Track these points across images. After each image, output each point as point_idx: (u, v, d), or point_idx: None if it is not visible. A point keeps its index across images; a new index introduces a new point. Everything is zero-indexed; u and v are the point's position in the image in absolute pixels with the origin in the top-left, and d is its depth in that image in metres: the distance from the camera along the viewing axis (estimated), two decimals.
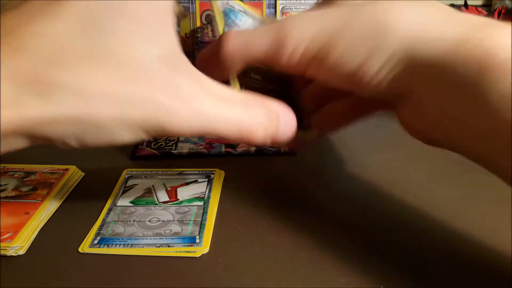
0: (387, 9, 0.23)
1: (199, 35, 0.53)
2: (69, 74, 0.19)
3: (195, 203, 0.35)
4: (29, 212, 0.33)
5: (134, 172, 0.39)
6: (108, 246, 0.30)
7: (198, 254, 0.29)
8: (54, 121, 0.19)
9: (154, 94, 0.21)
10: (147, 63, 0.21)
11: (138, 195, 0.36)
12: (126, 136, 0.21)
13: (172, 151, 0.42)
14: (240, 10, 0.32)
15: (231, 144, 0.43)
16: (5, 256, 0.29)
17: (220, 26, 0.32)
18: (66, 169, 0.38)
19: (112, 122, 0.20)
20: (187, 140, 0.44)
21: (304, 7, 0.55)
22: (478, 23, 0.23)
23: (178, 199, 0.35)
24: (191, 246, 0.30)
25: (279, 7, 0.56)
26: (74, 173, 0.38)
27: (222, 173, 0.38)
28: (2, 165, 0.39)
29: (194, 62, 0.32)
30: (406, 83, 0.23)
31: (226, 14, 0.32)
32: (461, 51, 0.21)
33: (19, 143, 0.21)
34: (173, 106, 0.21)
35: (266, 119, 0.25)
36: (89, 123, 0.20)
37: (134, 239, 0.31)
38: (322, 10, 0.25)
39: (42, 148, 0.44)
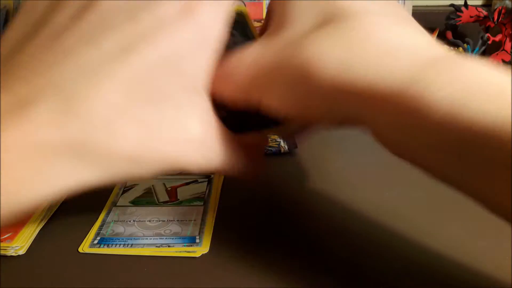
0: (304, 50, 0.21)
1: None
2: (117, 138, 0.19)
3: (195, 203, 0.35)
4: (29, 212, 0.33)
5: None
6: (108, 246, 0.30)
7: (198, 254, 0.29)
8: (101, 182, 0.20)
9: (183, 150, 0.21)
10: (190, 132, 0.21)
11: (138, 195, 0.36)
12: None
13: None
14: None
15: None
16: (5, 256, 0.29)
17: None
18: None
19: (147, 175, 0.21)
20: None
21: None
22: (418, 64, 0.19)
23: (178, 199, 0.35)
24: (191, 246, 0.30)
25: None
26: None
27: None
28: None
29: None
30: (354, 118, 0.21)
31: None
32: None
33: None
34: (196, 160, 0.22)
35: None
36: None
37: (134, 239, 0.31)
38: (260, 47, 0.24)
39: None
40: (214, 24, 0.22)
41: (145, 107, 0.20)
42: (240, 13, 0.31)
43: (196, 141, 0.22)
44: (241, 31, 0.31)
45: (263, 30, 0.29)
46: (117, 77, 0.19)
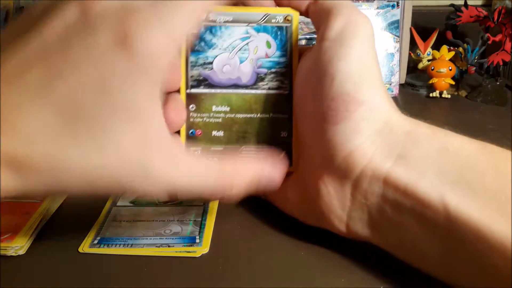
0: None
1: None
2: (49, 154, 0.21)
3: (195, 203, 0.35)
4: (29, 212, 0.33)
5: None
6: (108, 246, 0.30)
7: (198, 254, 0.29)
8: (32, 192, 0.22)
9: (125, 172, 0.22)
10: (125, 145, 0.22)
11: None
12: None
13: None
14: (227, 21, 0.31)
15: None
16: (5, 256, 0.29)
17: (182, 66, 0.31)
18: None
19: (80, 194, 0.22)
20: None
21: None
22: None
23: (178, 199, 0.35)
24: (191, 246, 0.30)
25: None
26: None
27: None
28: None
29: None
30: None
31: (199, 36, 0.30)
32: None
33: None
34: (142, 181, 0.23)
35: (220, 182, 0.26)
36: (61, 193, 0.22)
37: (134, 239, 0.31)
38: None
39: None
40: (154, 52, 0.22)
41: (68, 128, 0.21)
42: (288, 18, 0.31)
43: (121, 162, 0.22)
44: (280, 42, 0.31)
45: (305, 50, 0.31)
46: (43, 101, 0.20)
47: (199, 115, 0.31)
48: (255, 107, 0.31)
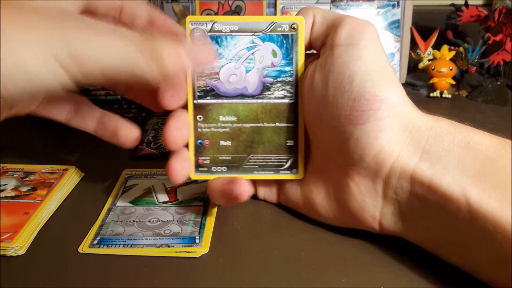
0: None
1: None
2: None
3: (195, 203, 0.35)
4: (28, 212, 0.33)
5: (133, 172, 0.39)
6: (107, 246, 0.30)
7: (197, 255, 0.29)
8: None
9: (64, 27, 0.24)
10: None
11: (137, 195, 0.36)
12: (43, 71, 0.23)
13: None
14: (233, 30, 0.31)
15: None
16: (5, 256, 0.29)
17: (188, 76, 0.31)
18: (66, 169, 0.38)
19: (27, 49, 0.22)
20: None
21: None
22: None
23: (178, 199, 0.35)
24: (191, 246, 0.30)
25: (279, 7, 0.56)
26: (73, 173, 0.38)
27: None
28: (2, 165, 0.39)
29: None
30: None
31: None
32: None
33: None
34: (81, 35, 0.24)
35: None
36: (8, 53, 0.22)
37: (133, 239, 0.30)
38: None
39: (42, 148, 0.44)
40: None
41: None
42: (294, 26, 0.31)
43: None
44: (286, 51, 0.31)
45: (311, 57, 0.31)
46: None
47: (206, 125, 0.32)
48: (262, 116, 0.32)
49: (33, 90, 0.24)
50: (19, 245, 0.30)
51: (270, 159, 0.32)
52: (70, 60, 0.23)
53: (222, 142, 0.32)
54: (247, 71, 0.31)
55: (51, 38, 0.23)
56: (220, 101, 0.32)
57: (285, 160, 0.32)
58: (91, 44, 0.24)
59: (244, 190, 0.30)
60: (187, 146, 0.32)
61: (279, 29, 0.31)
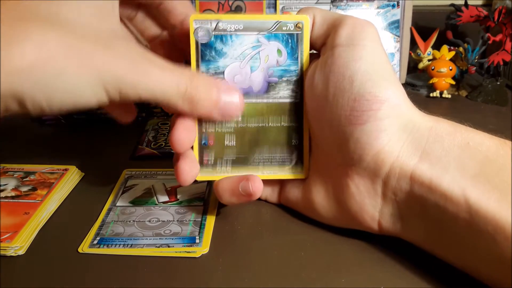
0: None
1: None
2: (31, 28, 0.23)
3: (195, 203, 0.35)
4: (28, 212, 0.33)
5: (133, 172, 0.39)
6: (107, 246, 0.30)
7: (198, 255, 0.29)
8: (19, 72, 0.22)
9: (109, 52, 0.25)
10: (97, 29, 0.26)
11: (137, 195, 0.36)
12: (88, 93, 0.24)
13: (172, 151, 0.42)
14: (237, 29, 0.31)
15: None
16: (5, 256, 0.29)
17: (192, 64, 0.31)
18: (66, 169, 0.38)
19: (72, 73, 0.24)
20: None
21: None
22: None
23: (178, 199, 0.35)
24: (191, 246, 0.30)
25: (279, 7, 0.56)
26: (73, 173, 0.38)
27: None
28: (2, 165, 0.39)
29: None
30: None
31: (209, 45, 0.30)
32: None
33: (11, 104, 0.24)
34: (125, 64, 0.25)
35: (205, 88, 0.28)
36: (52, 72, 0.23)
37: (133, 239, 0.30)
38: None
39: (42, 148, 0.44)
40: None
41: None
42: (299, 25, 0.31)
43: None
44: (291, 50, 0.31)
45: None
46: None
47: (211, 124, 0.31)
48: (267, 116, 0.32)
49: (71, 107, 0.25)
50: (19, 245, 0.30)
51: (275, 158, 0.32)
52: (114, 88, 0.25)
53: (226, 142, 0.32)
54: (252, 71, 0.31)
55: (102, 65, 0.24)
56: None
57: (289, 160, 0.32)
58: (138, 77, 0.26)
59: (259, 187, 0.30)
60: (192, 147, 0.32)
61: (284, 28, 0.31)
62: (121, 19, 0.30)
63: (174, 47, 0.33)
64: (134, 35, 0.33)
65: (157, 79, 0.26)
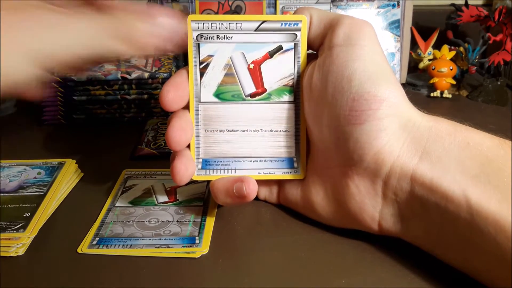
0: None
1: None
2: None
3: (194, 204, 0.34)
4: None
5: (133, 173, 0.39)
6: (107, 246, 0.30)
7: (197, 255, 0.29)
8: None
9: (28, 21, 0.25)
10: None
11: (137, 196, 0.36)
12: (19, 70, 0.24)
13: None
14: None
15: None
16: (5, 256, 0.29)
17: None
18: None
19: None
20: None
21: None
22: None
23: (178, 200, 0.35)
24: (191, 247, 0.30)
25: (279, 7, 0.56)
26: (73, 173, 0.38)
27: None
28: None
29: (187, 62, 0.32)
30: None
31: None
32: None
33: None
34: (47, 28, 0.25)
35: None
36: None
37: (133, 239, 0.30)
38: None
39: (42, 148, 0.44)
40: None
41: None
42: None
43: None
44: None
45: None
46: None
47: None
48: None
49: (9, 87, 0.25)
50: (19, 245, 0.29)
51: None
52: (43, 57, 0.25)
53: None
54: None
55: (22, 39, 0.24)
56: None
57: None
58: (63, 37, 0.25)
59: (253, 189, 0.30)
60: (188, 146, 0.32)
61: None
62: None
63: None
64: None
65: (86, 30, 0.26)
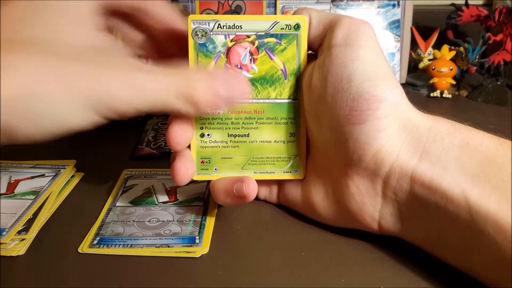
0: None
1: None
2: (12, 56, 0.23)
3: (194, 204, 0.35)
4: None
5: (133, 172, 0.39)
6: (107, 246, 0.30)
7: (197, 255, 0.29)
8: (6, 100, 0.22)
9: (93, 72, 0.24)
10: (79, 48, 0.26)
11: (137, 195, 0.36)
12: (77, 117, 0.24)
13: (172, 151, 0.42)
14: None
15: None
16: (5, 256, 0.29)
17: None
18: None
19: (59, 99, 0.23)
20: None
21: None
22: None
23: (178, 199, 0.35)
24: (191, 246, 0.30)
25: (279, 7, 0.56)
26: (73, 173, 0.38)
27: None
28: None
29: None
30: None
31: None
32: None
33: None
34: (112, 81, 0.24)
35: (204, 81, 0.27)
36: (38, 100, 0.22)
37: (133, 239, 0.30)
38: None
39: (41, 147, 0.44)
40: None
41: None
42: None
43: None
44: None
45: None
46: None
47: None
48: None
49: (63, 131, 0.24)
50: (19, 245, 0.30)
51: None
52: (105, 107, 0.24)
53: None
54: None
55: (87, 87, 0.24)
56: None
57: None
58: (129, 92, 0.25)
59: (253, 189, 0.30)
60: (189, 147, 0.32)
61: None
62: (102, 32, 0.29)
63: (161, 48, 0.33)
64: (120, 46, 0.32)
65: (150, 87, 0.25)
